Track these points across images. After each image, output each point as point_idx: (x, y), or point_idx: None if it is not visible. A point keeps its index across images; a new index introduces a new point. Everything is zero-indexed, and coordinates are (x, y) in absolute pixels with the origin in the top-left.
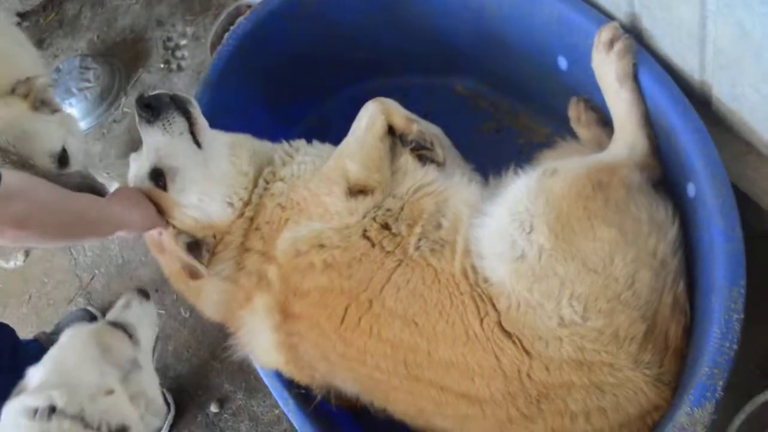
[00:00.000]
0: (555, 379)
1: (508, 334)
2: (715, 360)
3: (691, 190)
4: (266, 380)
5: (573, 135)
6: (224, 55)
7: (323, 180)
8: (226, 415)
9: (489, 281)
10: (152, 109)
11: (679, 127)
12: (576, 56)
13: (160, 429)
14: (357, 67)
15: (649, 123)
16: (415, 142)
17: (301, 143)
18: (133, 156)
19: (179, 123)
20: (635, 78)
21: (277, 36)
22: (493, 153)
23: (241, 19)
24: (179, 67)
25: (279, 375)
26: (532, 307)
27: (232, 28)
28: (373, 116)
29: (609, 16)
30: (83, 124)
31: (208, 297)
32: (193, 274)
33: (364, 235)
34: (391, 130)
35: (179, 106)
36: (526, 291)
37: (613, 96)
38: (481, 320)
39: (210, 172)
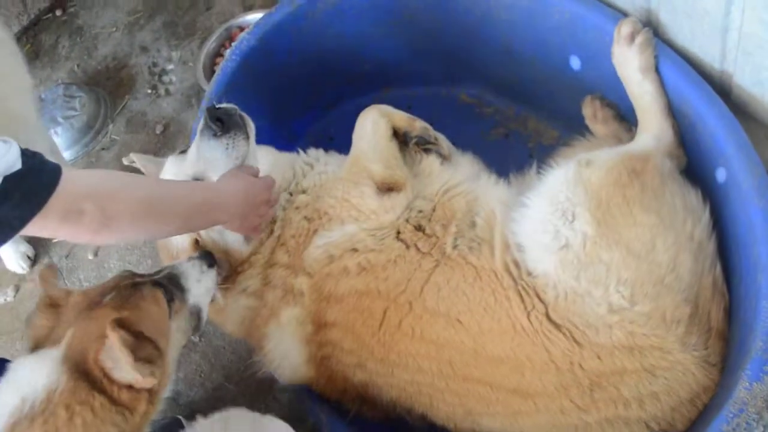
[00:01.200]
0: (607, 366)
1: (558, 326)
2: None
3: (721, 175)
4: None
5: (582, 136)
6: (228, 71)
7: (349, 185)
8: None
9: (533, 274)
10: (222, 123)
11: (705, 114)
12: (590, 55)
13: None
14: (360, 79)
15: (672, 114)
16: (420, 138)
17: (319, 153)
18: (172, 158)
19: (241, 147)
20: (657, 70)
21: (280, 50)
22: (503, 159)
23: (244, 34)
24: (167, 92)
25: (309, 391)
26: (580, 295)
27: (234, 43)
28: (375, 120)
29: (624, 12)
30: (69, 154)
31: (232, 314)
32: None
33: (398, 238)
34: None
35: (244, 127)
36: (573, 279)
37: (637, 88)
38: (528, 314)
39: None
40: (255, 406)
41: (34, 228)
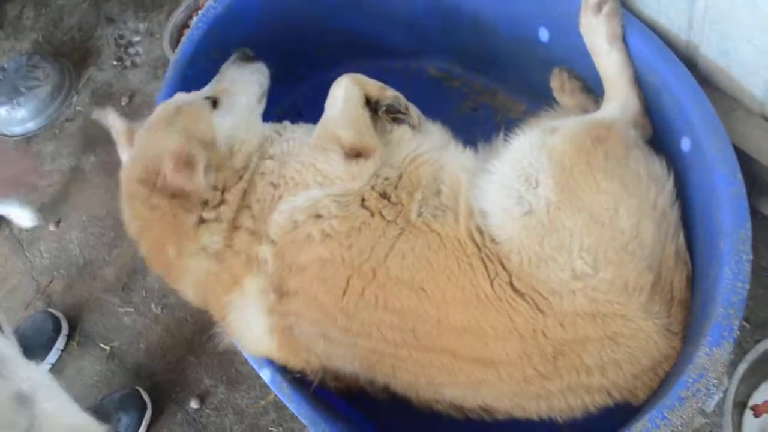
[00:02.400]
0: (570, 334)
1: (521, 294)
2: (730, 300)
3: (685, 144)
4: (256, 368)
5: (550, 108)
6: (194, 39)
7: (317, 150)
8: (208, 411)
9: (496, 240)
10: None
11: (672, 83)
12: (558, 27)
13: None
14: (328, 52)
15: (639, 83)
16: (390, 106)
17: (286, 123)
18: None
19: (265, 77)
20: (624, 40)
21: (247, 19)
22: (472, 132)
23: (210, 1)
24: (134, 64)
25: (270, 362)
26: (544, 260)
27: (200, 11)
28: (347, 88)
29: None
30: (33, 124)
31: (193, 275)
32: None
33: (363, 205)
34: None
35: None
36: (537, 245)
37: (604, 58)
38: (492, 281)
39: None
40: (217, 377)
41: None
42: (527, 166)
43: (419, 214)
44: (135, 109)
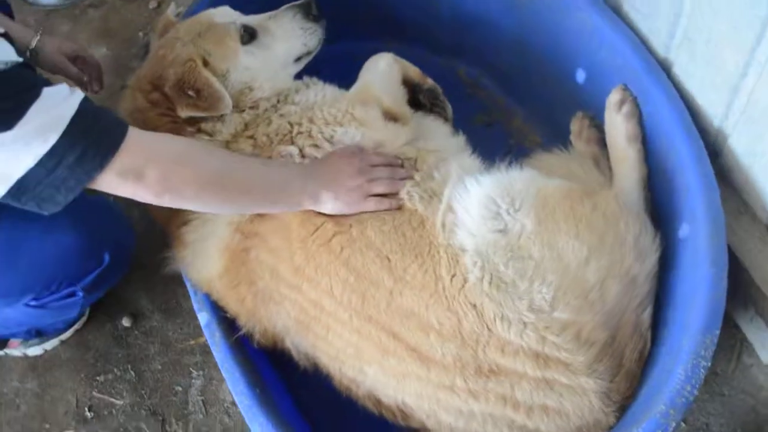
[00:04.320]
0: (509, 363)
1: (473, 304)
2: (674, 401)
3: (684, 230)
4: (196, 308)
5: (562, 151)
6: None
7: (356, 102)
8: (137, 332)
9: (463, 247)
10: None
11: (688, 167)
12: (597, 72)
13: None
14: (364, 23)
15: (647, 186)
16: (429, 92)
17: (315, 78)
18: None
19: (315, 40)
20: (642, 140)
21: None
22: (480, 146)
23: None
24: None
25: (211, 307)
26: (504, 283)
27: None
28: (389, 63)
29: (644, 41)
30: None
31: None
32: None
33: None
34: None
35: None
36: (502, 265)
37: (620, 153)
38: (452, 277)
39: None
40: (156, 303)
41: (95, 183)
42: (515, 189)
43: (409, 194)
44: (159, 15)
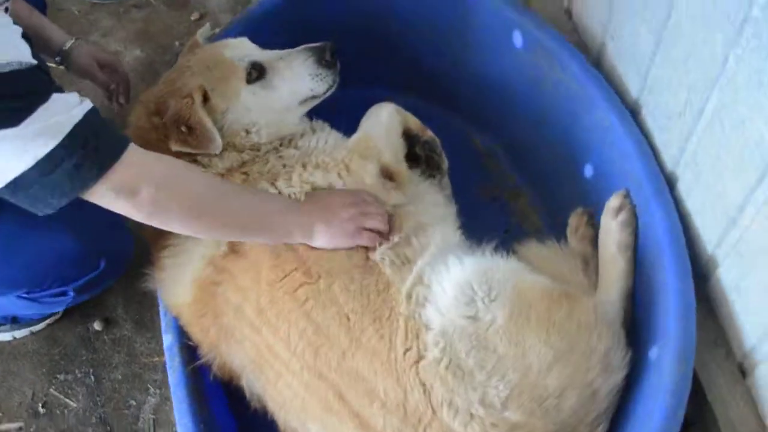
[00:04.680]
0: None
1: (423, 383)
2: None
3: (653, 353)
4: (163, 327)
5: (562, 239)
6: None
7: (355, 155)
8: (106, 338)
9: (430, 327)
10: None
11: (671, 288)
12: (605, 171)
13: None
14: (391, 73)
15: (630, 297)
16: (427, 144)
17: (325, 124)
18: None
19: (323, 88)
20: (634, 249)
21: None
22: (479, 219)
23: None
24: None
25: (177, 331)
26: (461, 370)
27: None
28: (391, 114)
29: (655, 150)
30: None
31: None
32: (198, 136)
33: None
34: None
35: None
36: (465, 352)
37: (609, 259)
38: (406, 350)
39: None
40: (130, 313)
41: (90, 194)
42: (495, 278)
43: (382, 255)
44: (198, 27)
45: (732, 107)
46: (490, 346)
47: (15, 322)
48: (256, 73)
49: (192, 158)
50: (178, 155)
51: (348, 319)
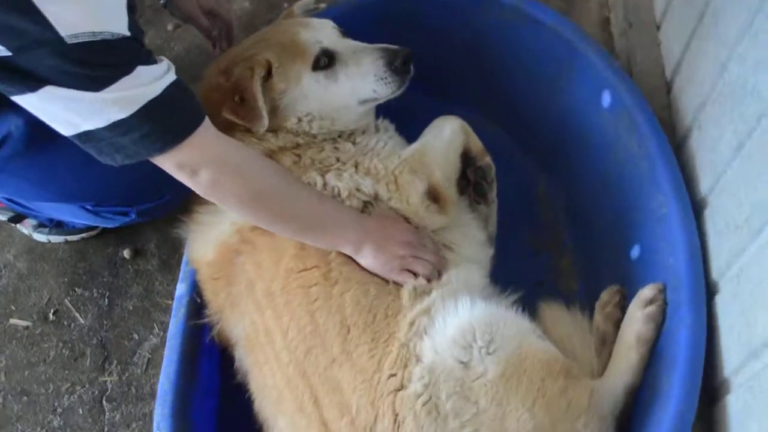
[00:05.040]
0: None
1: (395, 413)
2: None
3: None
4: (180, 276)
5: (588, 310)
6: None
7: (406, 167)
8: (131, 267)
9: (420, 359)
10: (399, 68)
11: (673, 400)
12: (651, 258)
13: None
14: (479, 96)
15: (634, 393)
16: (480, 171)
17: (390, 125)
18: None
19: (387, 92)
20: (652, 347)
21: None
22: (515, 264)
23: None
24: None
25: (193, 284)
26: (437, 413)
27: None
28: (455, 131)
29: (705, 256)
30: None
31: None
32: (247, 110)
33: None
34: None
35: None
36: (446, 395)
37: (624, 348)
38: (390, 376)
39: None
40: (161, 252)
41: (155, 161)
42: (500, 332)
43: (411, 286)
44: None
45: None
46: (472, 397)
47: (57, 227)
48: (325, 60)
49: (246, 129)
50: (229, 122)
51: (348, 330)
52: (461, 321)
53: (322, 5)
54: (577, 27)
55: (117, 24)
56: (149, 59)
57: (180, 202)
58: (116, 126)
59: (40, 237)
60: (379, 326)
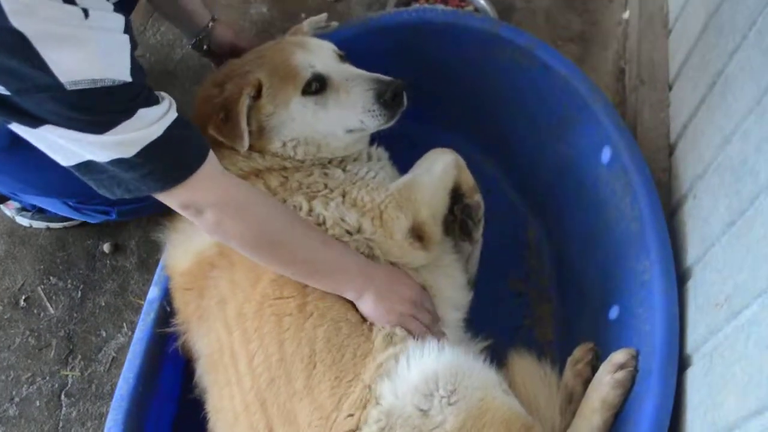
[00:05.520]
0: None
1: None
2: None
3: None
4: (155, 279)
5: (562, 364)
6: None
7: (392, 201)
8: (108, 262)
9: (379, 402)
10: (389, 103)
11: None
12: (628, 321)
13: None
14: (478, 134)
15: None
16: (467, 208)
17: (384, 154)
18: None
19: (373, 126)
20: (616, 414)
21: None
22: (495, 308)
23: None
24: None
25: (165, 289)
26: None
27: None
28: (448, 166)
29: (682, 326)
30: None
31: None
32: (230, 129)
33: None
34: None
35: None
36: None
37: (588, 410)
38: (348, 416)
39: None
40: (140, 251)
41: (157, 197)
42: (464, 383)
43: (385, 329)
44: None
45: (763, 330)
46: None
47: (40, 212)
48: (317, 85)
49: (231, 147)
50: (213, 139)
51: (315, 366)
52: (426, 367)
53: (334, 23)
54: (587, 78)
55: (118, 70)
56: (150, 100)
57: (163, 206)
58: (117, 163)
59: (23, 221)
60: (346, 366)
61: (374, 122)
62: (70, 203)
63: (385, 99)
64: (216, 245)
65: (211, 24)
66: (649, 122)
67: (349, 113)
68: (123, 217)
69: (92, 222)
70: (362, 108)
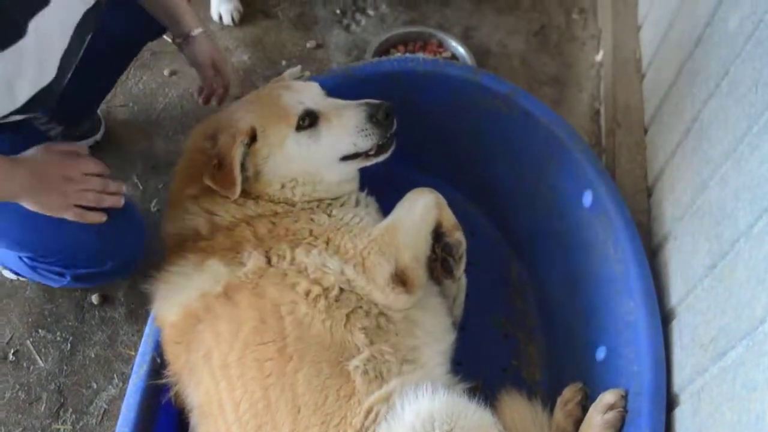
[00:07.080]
0: None
1: None
2: None
3: None
4: (147, 329)
5: (551, 404)
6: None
7: (374, 248)
8: (97, 314)
9: None
10: (381, 122)
11: None
12: (615, 361)
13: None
14: (458, 177)
15: None
16: (447, 246)
17: (371, 201)
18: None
19: (369, 144)
20: None
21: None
22: (482, 348)
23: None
24: (347, 29)
25: (158, 342)
26: None
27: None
28: (428, 206)
29: (669, 367)
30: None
31: (182, 218)
32: (223, 177)
33: (348, 317)
34: None
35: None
36: None
37: None
38: None
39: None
40: (128, 304)
41: None
42: (460, 425)
43: (356, 365)
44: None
45: (750, 371)
46: None
47: None
48: (308, 120)
49: (224, 196)
50: (207, 189)
51: (299, 411)
52: (421, 410)
53: (307, 74)
54: (567, 124)
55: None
56: None
57: (127, 274)
58: None
59: (9, 274)
60: (331, 408)
61: (367, 142)
62: (26, 260)
63: (378, 118)
64: (201, 297)
65: (199, 31)
66: (626, 165)
67: (342, 137)
68: (79, 282)
69: (53, 286)
70: (356, 128)
